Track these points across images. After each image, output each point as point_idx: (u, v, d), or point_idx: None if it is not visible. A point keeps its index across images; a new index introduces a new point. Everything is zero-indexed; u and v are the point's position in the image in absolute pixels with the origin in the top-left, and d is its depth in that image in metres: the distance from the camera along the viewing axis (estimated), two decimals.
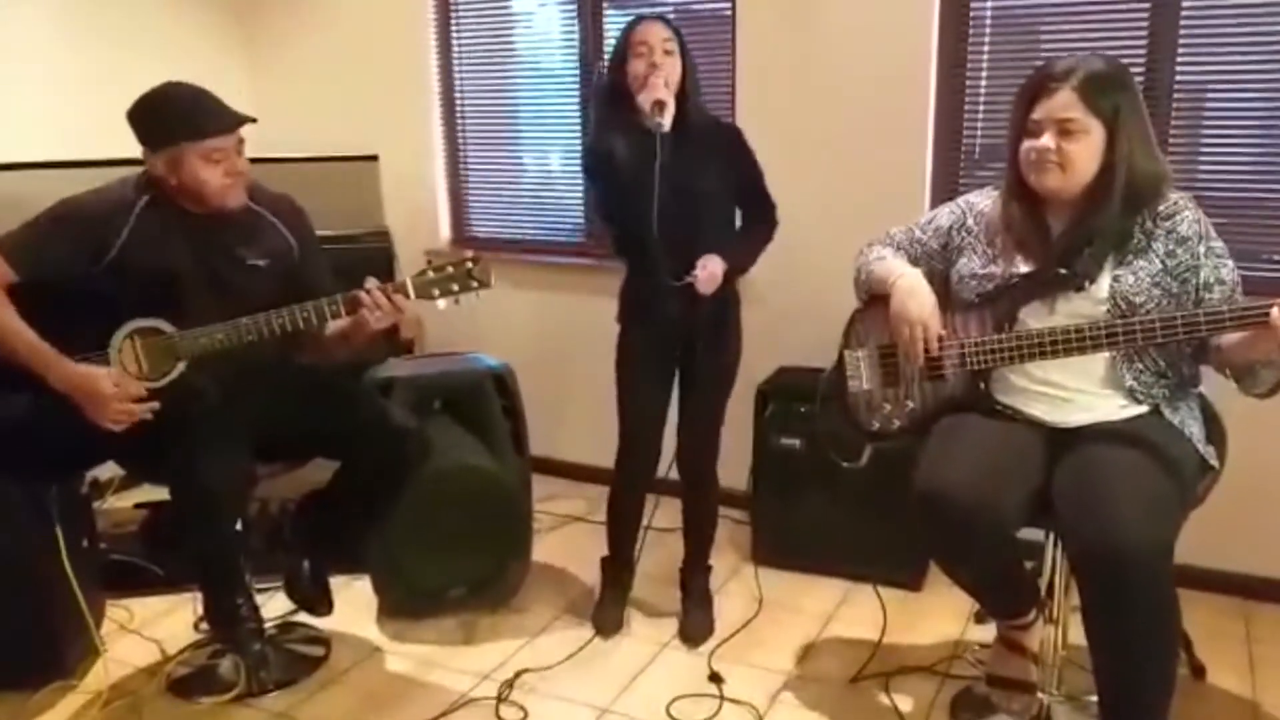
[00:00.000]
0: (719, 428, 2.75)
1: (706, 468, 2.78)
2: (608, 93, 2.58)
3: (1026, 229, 2.06)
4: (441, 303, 2.24)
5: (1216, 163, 2.94)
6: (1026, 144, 1.97)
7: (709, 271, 2.49)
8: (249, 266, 2.36)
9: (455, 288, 2.23)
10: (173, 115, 2.22)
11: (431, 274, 2.24)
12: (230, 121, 2.24)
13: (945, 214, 2.25)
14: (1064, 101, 1.92)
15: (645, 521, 2.83)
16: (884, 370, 2.23)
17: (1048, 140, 1.94)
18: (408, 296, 2.24)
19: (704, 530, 2.87)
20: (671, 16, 2.61)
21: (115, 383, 2.18)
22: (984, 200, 2.20)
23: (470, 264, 2.23)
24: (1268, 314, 1.76)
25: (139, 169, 2.31)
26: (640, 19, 2.53)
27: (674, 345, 2.63)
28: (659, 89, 2.42)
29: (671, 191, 2.44)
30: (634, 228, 2.50)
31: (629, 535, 2.84)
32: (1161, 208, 2.01)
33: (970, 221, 2.19)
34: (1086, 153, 1.94)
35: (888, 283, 2.17)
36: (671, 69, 2.47)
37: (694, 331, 2.59)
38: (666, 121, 2.41)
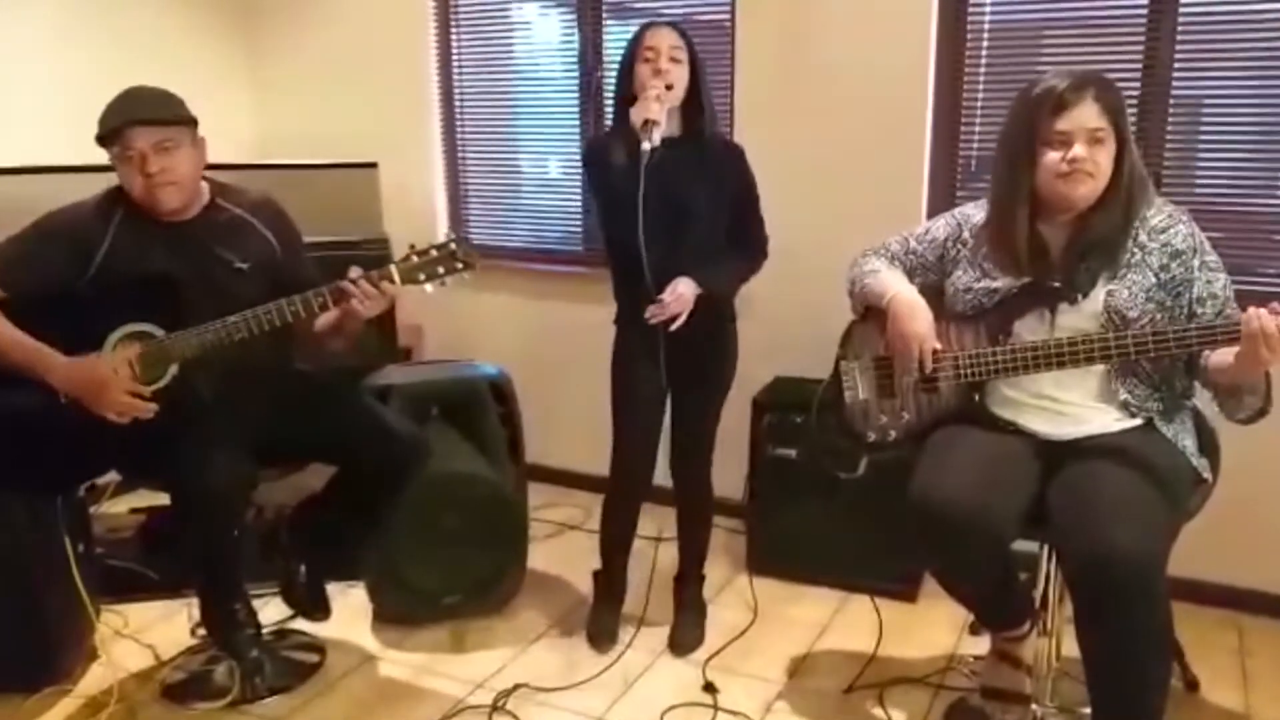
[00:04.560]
0: (712, 438, 2.75)
1: (700, 477, 2.77)
2: (616, 94, 2.57)
3: (1027, 243, 2.05)
4: (429, 287, 2.22)
5: (1213, 176, 2.95)
6: (1052, 156, 1.96)
7: (676, 294, 2.47)
8: (234, 270, 2.36)
9: (441, 270, 2.21)
10: (100, 119, 2.24)
11: (416, 259, 2.22)
12: (120, 113, 2.20)
13: (940, 226, 2.25)
14: (1091, 112, 1.94)
15: (639, 531, 2.83)
16: (880, 382, 2.23)
17: (1081, 149, 1.94)
18: (393, 282, 2.22)
19: (699, 540, 2.86)
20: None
21: (115, 369, 2.18)
22: (979, 213, 2.20)
23: (453, 244, 2.22)
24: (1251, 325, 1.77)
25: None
26: (652, 24, 2.51)
27: (660, 354, 2.60)
28: (651, 108, 2.39)
29: (661, 202, 2.43)
30: (620, 236, 2.49)
31: (622, 545, 2.83)
32: (1156, 221, 2.03)
33: (965, 234, 2.19)
34: (1109, 160, 1.97)
35: (884, 299, 2.18)
36: (678, 77, 2.46)
37: (682, 346, 2.57)
38: (656, 138, 2.38)
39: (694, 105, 2.52)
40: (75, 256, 2.24)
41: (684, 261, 2.51)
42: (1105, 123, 1.95)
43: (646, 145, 2.37)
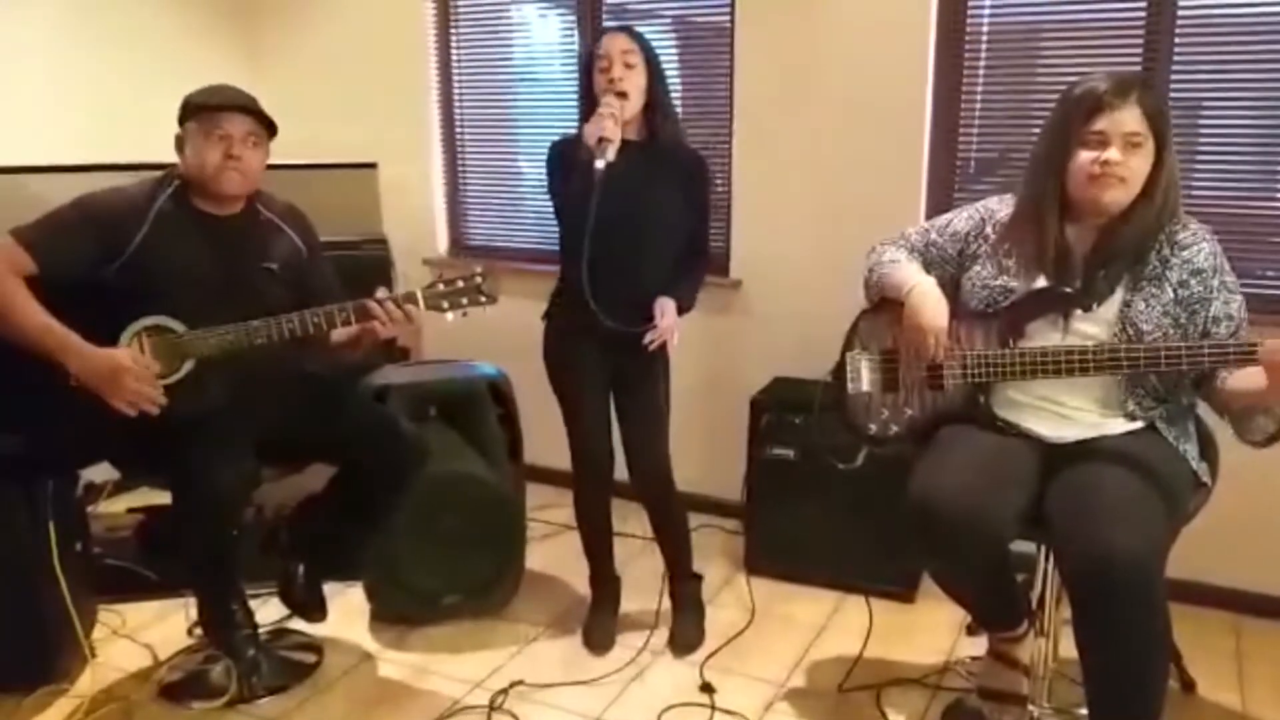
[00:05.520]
0: (665, 444, 2.70)
1: (660, 482, 2.72)
2: (580, 103, 2.56)
3: (1051, 245, 2.04)
4: (450, 315, 2.26)
5: (1211, 179, 2.95)
6: (1086, 156, 1.95)
7: (670, 322, 2.46)
8: (263, 270, 2.40)
9: (464, 301, 2.25)
10: (192, 94, 2.32)
11: (441, 286, 2.25)
12: (229, 96, 2.30)
13: (963, 219, 2.23)
14: (1131, 116, 1.92)
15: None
16: (885, 375, 2.23)
17: (1115, 153, 1.92)
18: (417, 307, 2.26)
19: (676, 540, 2.84)
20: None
21: (134, 360, 2.19)
22: (1004, 209, 2.18)
23: (480, 278, 2.24)
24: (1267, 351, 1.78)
25: (155, 172, 2.35)
26: (605, 30, 2.51)
27: (601, 361, 2.60)
28: (606, 125, 2.35)
29: (619, 212, 2.40)
30: (573, 244, 2.45)
31: (601, 542, 2.84)
32: (1181, 237, 2.02)
33: (989, 230, 2.17)
34: (1144, 168, 1.95)
35: (902, 289, 2.16)
36: (633, 82, 2.44)
37: (620, 356, 2.56)
38: (610, 154, 2.35)
39: (653, 108, 2.51)
40: (109, 239, 2.25)
41: (642, 274, 2.51)
42: (1145, 128, 1.92)
43: (600, 164, 2.34)
